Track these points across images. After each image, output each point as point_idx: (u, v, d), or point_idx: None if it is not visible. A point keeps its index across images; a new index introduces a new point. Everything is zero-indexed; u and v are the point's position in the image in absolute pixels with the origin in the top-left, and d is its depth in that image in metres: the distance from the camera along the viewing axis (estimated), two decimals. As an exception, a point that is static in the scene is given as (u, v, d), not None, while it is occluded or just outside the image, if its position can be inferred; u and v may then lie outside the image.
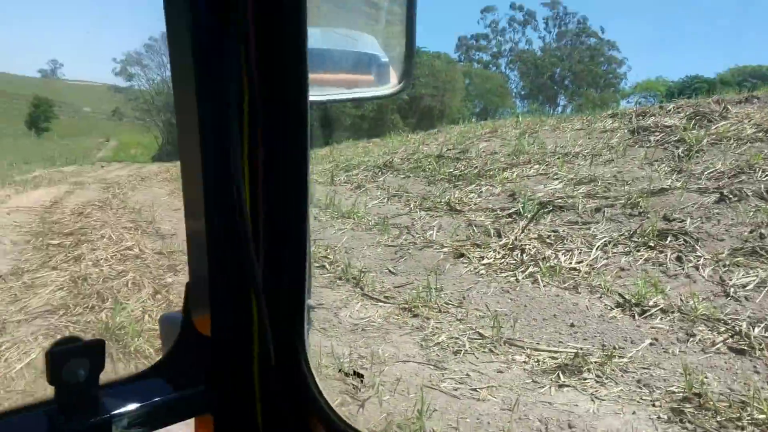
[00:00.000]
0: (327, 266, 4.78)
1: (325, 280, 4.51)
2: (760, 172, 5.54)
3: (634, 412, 2.57)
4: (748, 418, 2.40)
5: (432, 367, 3.09)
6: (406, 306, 3.90)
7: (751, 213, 4.70)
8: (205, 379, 0.97)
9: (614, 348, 3.19)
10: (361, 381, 2.98)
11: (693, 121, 7.96)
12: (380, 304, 4.01)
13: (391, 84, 1.22)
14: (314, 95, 1.08)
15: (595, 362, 3.01)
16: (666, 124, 8.28)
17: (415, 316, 3.78)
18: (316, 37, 1.13)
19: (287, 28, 0.78)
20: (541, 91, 53.33)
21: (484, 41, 57.28)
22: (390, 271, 4.69)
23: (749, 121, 7.35)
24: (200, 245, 0.89)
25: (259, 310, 0.89)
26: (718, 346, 3.06)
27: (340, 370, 3.10)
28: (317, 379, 0.98)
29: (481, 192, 6.87)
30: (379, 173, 8.81)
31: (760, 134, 6.78)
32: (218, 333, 0.93)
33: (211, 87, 0.80)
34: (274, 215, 0.87)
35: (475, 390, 2.82)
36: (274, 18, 0.79)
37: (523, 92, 54.91)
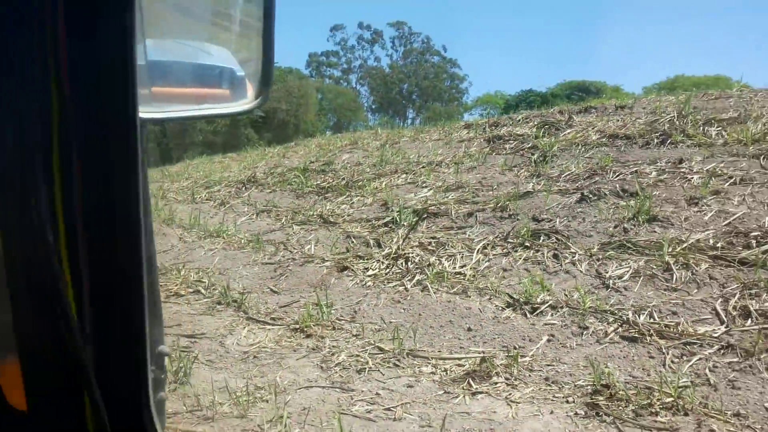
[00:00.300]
0: (202, 291, 4.36)
1: (202, 306, 4.09)
2: (611, 173, 5.97)
3: (552, 412, 2.54)
4: (659, 403, 2.47)
5: (338, 390, 2.86)
6: (297, 326, 3.64)
7: (612, 210, 5.02)
8: None
9: (515, 348, 3.18)
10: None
11: (542, 130, 8.50)
12: (268, 327, 3.70)
13: (247, 100, 1.13)
14: (155, 112, 1.00)
15: (502, 365, 2.97)
16: (518, 133, 8.77)
17: (309, 336, 3.53)
18: (164, 49, 1.10)
19: (108, 27, 0.69)
20: (391, 105, 55.17)
21: (335, 58, 58.20)
22: (272, 290, 4.39)
23: (593, 129, 7.97)
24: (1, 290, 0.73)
25: (85, 373, 0.73)
26: (611, 336, 3.16)
27: None
28: None
29: (353, 203, 6.75)
30: (243, 189, 8.39)
31: (604, 140, 7.36)
32: (35, 405, 0.76)
33: (6, 96, 0.68)
34: (99, 249, 0.73)
35: (389, 409, 2.64)
36: (91, 15, 0.68)
37: (374, 106, 56.47)
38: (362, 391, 2.83)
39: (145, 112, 0.91)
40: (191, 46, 1.18)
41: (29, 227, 0.69)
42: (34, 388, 0.76)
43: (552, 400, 2.64)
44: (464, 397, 2.71)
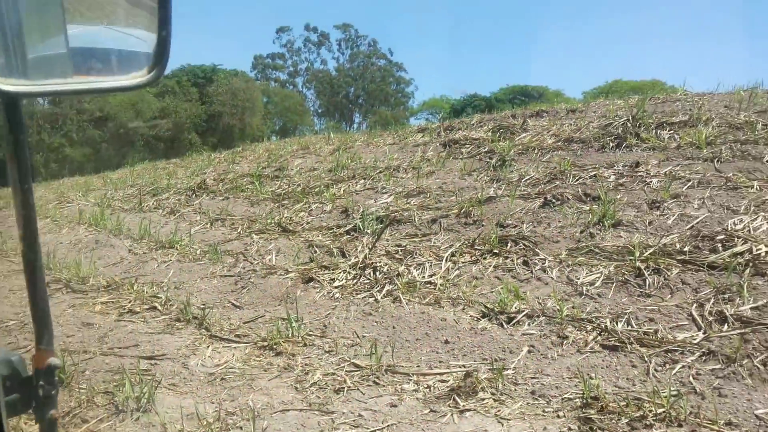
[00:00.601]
0: (159, 307, 4.09)
1: (160, 324, 3.83)
2: (572, 177, 6.00)
3: (545, 428, 2.44)
4: (652, 415, 2.41)
5: (317, 412, 2.69)
6: (266, 344, 3.44)
7: (576, 215, 5.02)
8: None
9: (496, 360, 3.09)
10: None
11: (497, 134, 8.53)
12: (234, 345, 3.48)
13: (140, 74, 1.08)
14: (21, 85, 0.96)
15: (486, 379, 2.87)
16: (474, 137, 8.76)
17: (278, 354, 3.33)
18: (91, 36, 1.09)
19: None
20: (338, 109, 54.92)
21: (281, 60, 57.41)
22: (234, 304, 4.16)
23: (547, 133, 8.04)
24: None
25: None
26: (591, 345, 3.11)
27: None
28: None
29: (312, 210, 6.57)
30: (193, 196, 8.07)
31: (560, 143, 7.43)
32: None
33: None
34: None
35: (374, 432, 2.49)
36: None
37: (320, 110, 56.03)
38: (343, 413, 2.67)
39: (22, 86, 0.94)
40: (121, 31, 1.13)
41: None
42: None
43: (543, 416, 2.55)
44: (452, 415, 2.59)
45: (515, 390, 2.79)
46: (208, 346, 3.44)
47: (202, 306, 4.04)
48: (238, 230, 6.03)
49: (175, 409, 2.74)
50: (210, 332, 3.64)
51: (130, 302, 4.19)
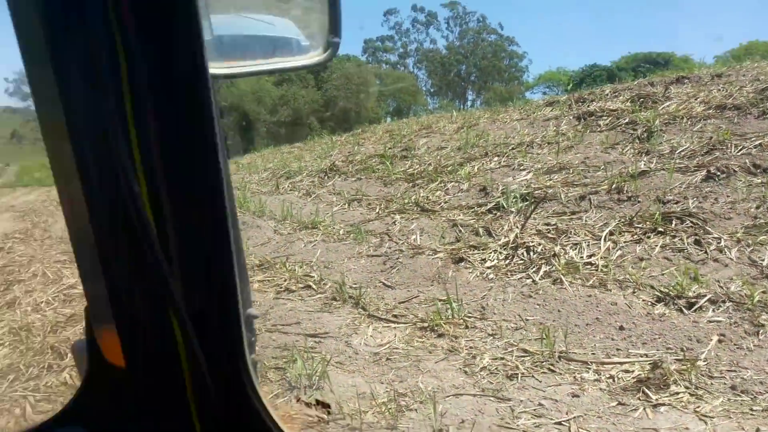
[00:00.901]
0: (313, 286, 4.15)
1: (317, 302, 3.88)
2: (734, 147, 5.43)
3: (758, 430, 2.17)
4: None
5: (492, 399, 2.58)
6: (425, 325, 3.37)
7: (746, 188, 4.53)
8: (124, 420, 0.83)
9: (682, 350, 2.82)
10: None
11: (637, 104, 7.93)
12: (393, 325, 3.45)
13: (316, 53, 1.17)
14: (223, 68, 1.02)
15: (676, 371, 2.62)
16: (611, 108, 8.20)
17: (440, 335, 3.26)
18: (229, 24, 1.15)
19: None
20: (450, 88, 54.33)
21: (390, 43, 57.68)
22: (385, 284, 4.14)
23: (695, 100, 7.36)
24: (91, 258, 0.76)
25: (183, 329, 0.75)
26: (796, 336, 2.76)
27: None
28: (268, 407, 0.85)
29: (448, 189, 6.44)
30: (326, 178, 8.21)
31: (711, 111, 6.77)
32: (134, 361, 0.80)
33: (73, 63, 0.66)
34: (185, 212, 0.74)
35: (560, 424, 2.34)
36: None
37: (432, 90, 55.72)
38: (521, 401, 2.54)
39: (216, 68, 0.96)
40: (256, 19, 1.21)
41: (119, 205, 0.69)
42: (130, 344, 0.78)
43: (751, 415, 2.28)
44: (644, 409, 2.38)
45: (711, 384, 2.52)
46: (368, 326, 3.43)
47: (355, 285, 4.05)
48: (377, 210, 6.03)
49: (346, 387, 2.74)
50: (367, 312, 3.63)
51: (285, 281, 4.29)
